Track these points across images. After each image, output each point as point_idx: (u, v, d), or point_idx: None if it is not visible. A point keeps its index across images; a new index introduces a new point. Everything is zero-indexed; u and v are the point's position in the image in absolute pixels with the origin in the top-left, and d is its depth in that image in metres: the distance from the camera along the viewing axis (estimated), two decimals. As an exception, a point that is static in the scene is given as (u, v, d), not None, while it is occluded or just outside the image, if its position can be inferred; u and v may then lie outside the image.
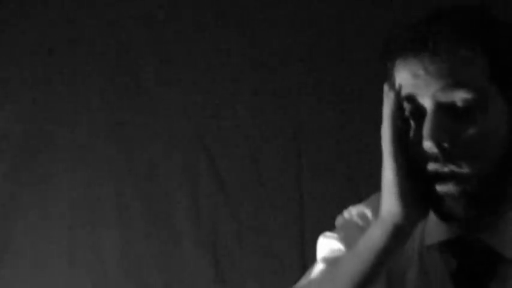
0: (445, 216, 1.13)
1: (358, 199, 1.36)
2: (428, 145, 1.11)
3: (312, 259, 1.34)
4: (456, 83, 1.11)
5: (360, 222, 1.30)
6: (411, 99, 1.13)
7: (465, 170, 1.11)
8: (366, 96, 2.00)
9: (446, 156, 1.11)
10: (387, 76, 1.21)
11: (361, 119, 2.01)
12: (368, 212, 1.31)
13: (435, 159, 1.11)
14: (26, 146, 2.13)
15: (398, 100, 1.13)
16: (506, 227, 1.17)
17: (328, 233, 1.33)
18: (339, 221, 1.35)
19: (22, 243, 2.12)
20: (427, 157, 1.12)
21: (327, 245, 1.32)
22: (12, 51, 2.15)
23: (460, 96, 1.11)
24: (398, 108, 1.13)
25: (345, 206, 1.38)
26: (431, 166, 1.12)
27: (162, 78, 2.10)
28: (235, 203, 2.07)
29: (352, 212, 1.33)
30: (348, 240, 1.27)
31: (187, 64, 2.09)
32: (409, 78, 1.13)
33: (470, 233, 1.18)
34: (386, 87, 1.15)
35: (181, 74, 2.10)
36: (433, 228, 1.21)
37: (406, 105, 1.15)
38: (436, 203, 1.13)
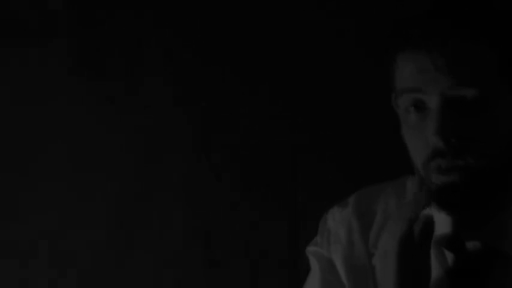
0: (444, 206, 1.12)
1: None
2: (435, 140, 1.10)
3: (305, 248, 1.34)
4: (465, 79, 1.09)
5: (343, 236, 1.28)
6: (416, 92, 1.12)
7: (472, 164, 1.10)
8: (364, 96, 1.99)
9: (453, 151, 1.10)
10: (386, 68, 1.19)
11: (359, 118, 2.01)
12: (353, 218, 1.29)
13: (441, 154, 1.11)
14: (19, 128, 2.11)
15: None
16: (505, 223, 1.16)
17: (310, 248, 1.33)
18: (326, 224, 1.33)
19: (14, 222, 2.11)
20: (433, 152, 1.11)
21: (310, 261, 1.32)
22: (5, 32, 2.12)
23: (468, 92, 1.10)
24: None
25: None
26: (436, 161, 1.11)
27: (161, 73, 2.09)
28: (229, 189, 2.06)
29: (336, 218, 1.31)
30: (324, 264, 1.28)
31: (187, 60, 2.08)
32: (415, 72, 1.11)
33: (468, 229, 1.16)
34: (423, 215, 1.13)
35: (182, 71, 2.09)
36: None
37: (409, 97, 1.14)
38: (436, 193, 1.12)
